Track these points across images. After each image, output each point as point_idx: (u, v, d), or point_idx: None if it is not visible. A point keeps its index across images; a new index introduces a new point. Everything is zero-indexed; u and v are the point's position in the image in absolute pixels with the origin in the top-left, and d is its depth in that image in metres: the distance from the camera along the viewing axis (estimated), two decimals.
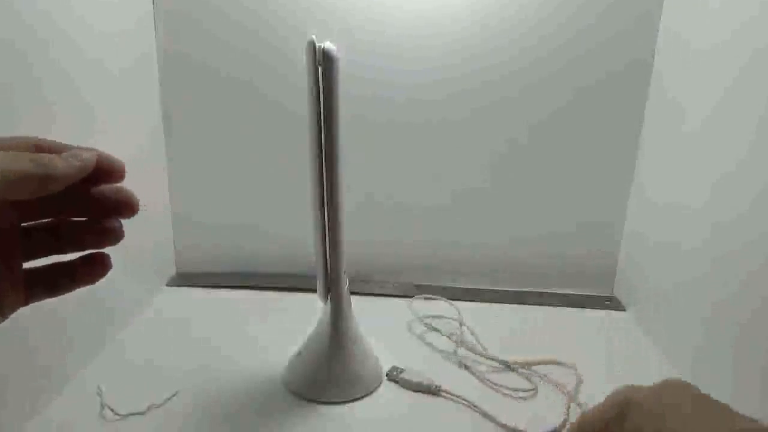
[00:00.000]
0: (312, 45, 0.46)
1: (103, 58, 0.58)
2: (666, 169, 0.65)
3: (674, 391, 0.28)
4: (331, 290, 0.53)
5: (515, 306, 0.73)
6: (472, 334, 0.63)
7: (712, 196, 0.55)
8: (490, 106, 0.71)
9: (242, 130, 0.73)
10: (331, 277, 0.53)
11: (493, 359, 0.59)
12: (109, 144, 0.60)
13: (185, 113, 0.73)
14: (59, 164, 0.24)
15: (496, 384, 0.55)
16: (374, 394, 0.54)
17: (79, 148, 0.27)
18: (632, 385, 0.30)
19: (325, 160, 0.48)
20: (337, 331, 0.53)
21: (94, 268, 0.29)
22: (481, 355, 0.59)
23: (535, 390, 0.55)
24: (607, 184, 0.73)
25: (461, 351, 0.60)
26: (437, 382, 0.54)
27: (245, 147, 0.74)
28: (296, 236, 0.75)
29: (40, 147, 0.26)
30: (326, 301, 0.53)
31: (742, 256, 0.50)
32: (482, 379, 0.56)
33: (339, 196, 0.49)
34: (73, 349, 0.54)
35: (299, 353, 0.56)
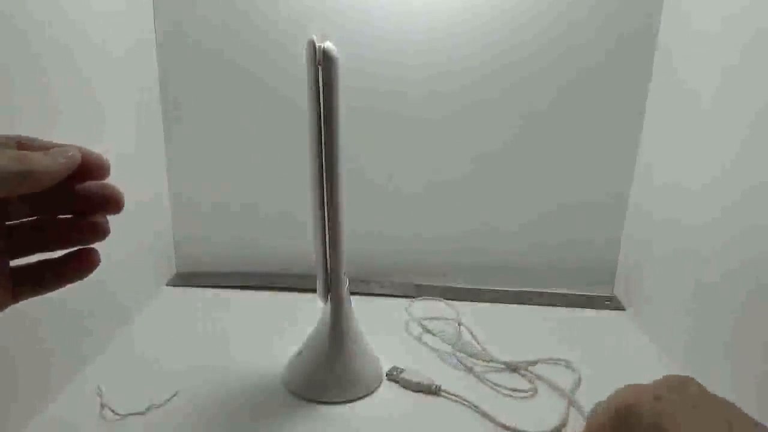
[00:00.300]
0: (312, 45, 0.46)
1: (104, 41, 0.58)
2: (668, 165, 0.65)
3: (674, 395, 0.28)
4: (331, 290, 0.53)
5: (515, 306, 0.73)
6: (472, 334, 0.63)
7: (712, 194, 0.55)
8: (488, 101, 0.71)
9: (244, 130, 0.73)
10: (331, 277, 0.53)
11: (492, 359, 0.59)
12: (109, 141, 0.60)
13: (185, 113, 0.73)
14: (43, 161, 0.24)
15: (495, 384, 0.55)
16: (374, 394, 0.54)
17: (63, 145, 0.27)
18: (634, 385, 0.30)
19: (326, 160, 0.48)
20: (337, 331, 0.53)
21: (82, 264, 0.29)
22: (480, 355, 0.59)
23: (534, 390, 0.55)
24: (608, 184, 0.73)
25: (461, 351, 0.60)
26: (437, 382, 0.54)
27: (246, 146, 0.74)
28: (296, 236, 0.75)
29: (23, 145, 0.26)
30: (326, 301, 0.53)
31: (741, 257, 0.50)
32: (482, 380, 0.56)
33: (339, 196, 0.49)
34: (73, 350, 0.54)
35: (299, 353, 0.56)
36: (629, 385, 0.30)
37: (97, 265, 0.29)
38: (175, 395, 0.52)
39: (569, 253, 0.76)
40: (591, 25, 0.67)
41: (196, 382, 0.54)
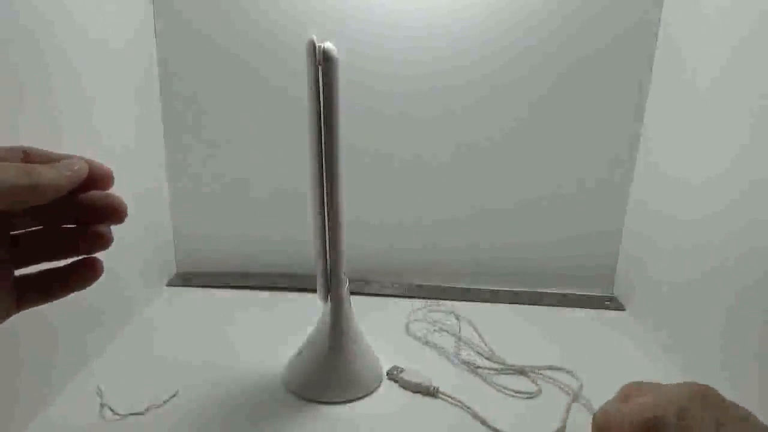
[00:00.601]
0: (312, 45, 0.45)
1: (102, 32, 0.57)
2: (667, 165, 0.65)
3: (698, 407, 0.27)
4: (331, 290, 0.53)
5: (515, 306, 0.73)
6: (476, 333, 0.63)
7: (713, 193, 0.55)
8: (487, 97, 0.71)
9: (243, 129, 0.73)
10: (331, 277, 0.53)
11: (491, 360, 0.59)
12: (108, 142, 0.60)
13: (185, 114, 0.73)
14: (48, 174, 0.25)
15: (495, 386, 0.55)
16: (374, 394, 0.54)
17: (69, 156, 0.27)
18: (655, 394, 0.29)
19: (325, 160, 0.48)
20: (337, 331, 0.53)
21: (86, 273, 0.29)
22: (480, 356, 0.59)
23: (534, 392, 0.54)
24: (608, 183, 0.73)
25: (461, 351, 0.60)
26: (436, 384, 0.54)
27: (246, 146, 0.74)
28: (296, 236, 0.75)
29: (28, 156, 0.26)
30: (326, 301, 0.53)
31: (743, 260, 0.50)
32: (482, 381, 0.56)
33: (339, 196, 0.49)
34: (73, 350, 0.54)
35: (299, 353, 0.56)
36: (653, 395, 0.29)
37: (101, 274, 0.29)
38: (175, 395, 0.52)
39: (569, 253, 0.76)
40: (592, 15, 0.67)
41: (196, 382, 0.54)
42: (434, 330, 0.65)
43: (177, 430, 0.48)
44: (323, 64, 0.45)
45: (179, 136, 0.74)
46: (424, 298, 0.73)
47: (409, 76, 0.70)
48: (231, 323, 0.66)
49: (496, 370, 0.58)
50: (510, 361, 0.58)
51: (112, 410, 0.49)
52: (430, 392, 0.53)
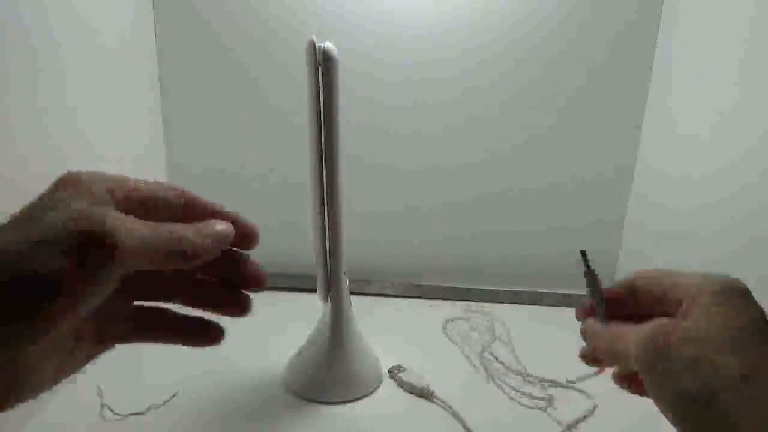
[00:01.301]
0: (312, 45, 0.45)
1: (101, 30, 0.57)
2: (666, 158, 0.65)
3: None
4: (331, 290, 0.53)
5: (515, 306, 0.73)
6: (477, 332, 0.63)
7: (713, 188, 0.55)
8: (487, 111, 0.71)
9: (243, 129, 0.73)
10: (331, 277, 0.53)
11: (493, 362, 0.58)
12: (108, 137, 0.60)
13: (184, 115, 0.73)
14: (190, 238, 0.23)
15: (497, 388, 0.55)
16: (374, 394, 0.54)
17: (221, 214, 0.25)
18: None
19: (325, 161, 0.48)
20: (337, 331, 0.53)
21: (210, 337, 0.27)
22: (484, 358, 0.59)
23: (535, 399, 0.54)
24: (608, 183, 0.73)
25: (465, 352, 0.60)
26: (434, 386, 0.53)
27: (246, 147, 0.74)
28: (296, 236, 0.75)
29: (189, 205, 0.25)
30: (326, 301, 0.53)
31: (741, 255, 0.50)
32: (483, 382, 0.56)
33: (339, 196, 0.49)
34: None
35: (299, 353, 0.56)
36: None
37: (219, 343, 0.27)
38: (175, 395, 0.52)
39: (570, 253, 0.76)
40: (593, 21, 0.67)
41: (196, 382, 0.54)
42: (436, 330, 0.65)
43: (177, 430, 0.48)
44: (323, 65, 0.45)
45: (179, 134, 0.74)
46: (424, 298, 0.73)
47: (409, 75, 0.70)
48: (231, 323, 0.65)
49: (498, 372, 0.58)
50: (509, 362, 0.58)
51: (112, 410, 0.49)
52: (424, 395, 0.53)
